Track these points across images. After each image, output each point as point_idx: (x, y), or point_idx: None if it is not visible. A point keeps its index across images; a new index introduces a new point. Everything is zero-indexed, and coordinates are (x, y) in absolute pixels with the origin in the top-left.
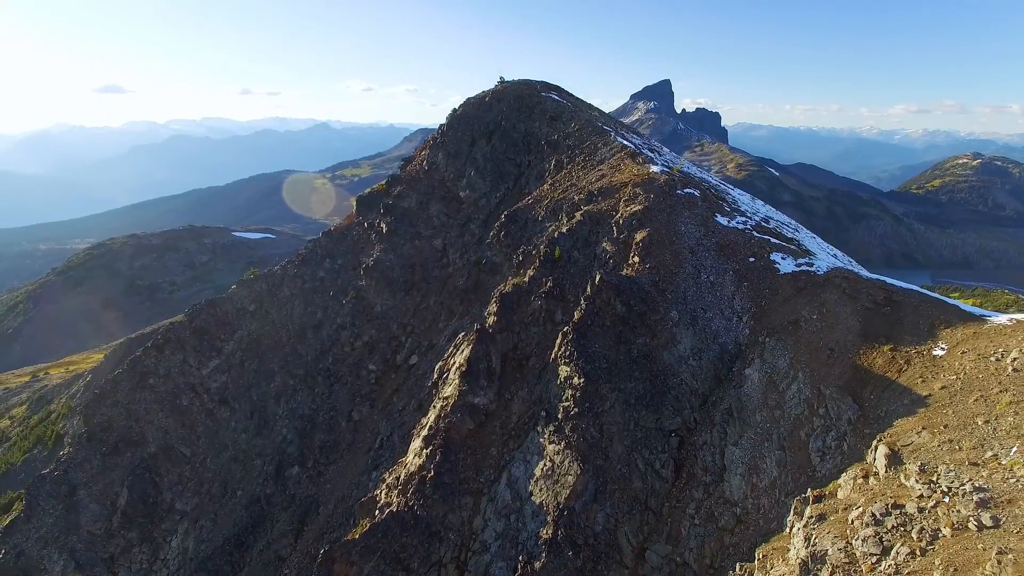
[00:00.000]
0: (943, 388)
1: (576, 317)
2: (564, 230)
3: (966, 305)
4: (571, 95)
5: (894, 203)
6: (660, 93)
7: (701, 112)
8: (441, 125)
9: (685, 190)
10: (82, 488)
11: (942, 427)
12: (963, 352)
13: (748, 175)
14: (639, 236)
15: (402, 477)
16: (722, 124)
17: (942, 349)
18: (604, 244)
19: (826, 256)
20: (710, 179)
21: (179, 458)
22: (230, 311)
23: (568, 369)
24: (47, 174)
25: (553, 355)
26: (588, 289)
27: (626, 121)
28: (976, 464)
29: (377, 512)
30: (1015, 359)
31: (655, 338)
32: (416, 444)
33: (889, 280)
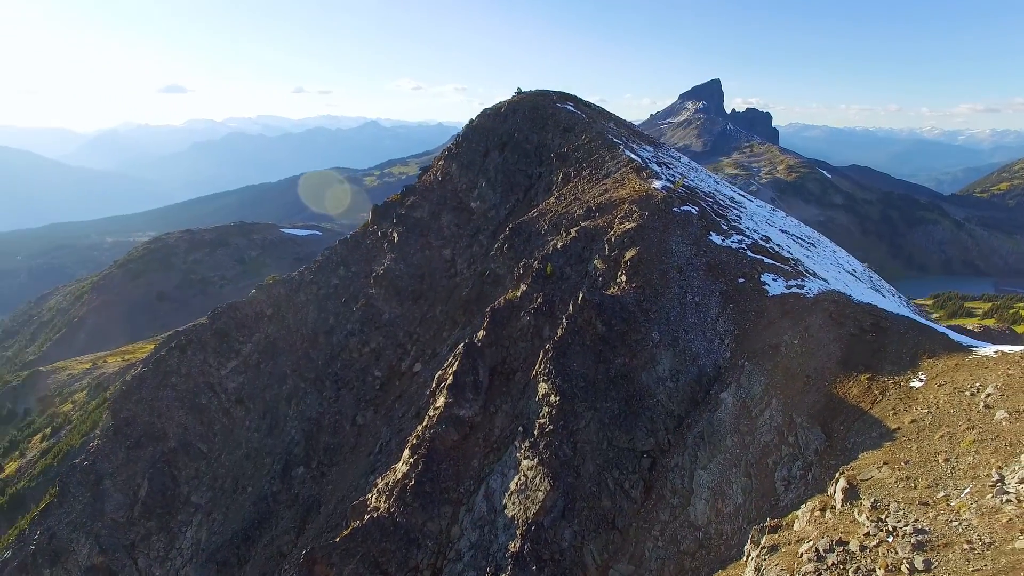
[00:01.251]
0: (913, 422)
1: (558, 335)
2: (559, 246)
3: (957, 334)
4: (588, 105)
5: (955, 207)
6: (709, 93)
7: (751, 112)
8: (457, 135)
9: (683, 208)
10: (107, 478)
11: (903, 463)
12: (940, 385)
13: (799, 177)
14: (629, 254)
15: (390, 483)
16: (773, 124)
17: (920, 380)
18: (596, 261)
19: (839, 273)
20: (724, 191)
21: (196, 454)
22: (249, 314)
23: (546, 386)
24: (115, 170)
25: (534, 371)
26: (570, 307)
27: (674, 121)
28: (926, 504)
29: (367, 515)
30: (989, 395)
31: (634, 358)
32: (407, 452)
33: (881, 305)
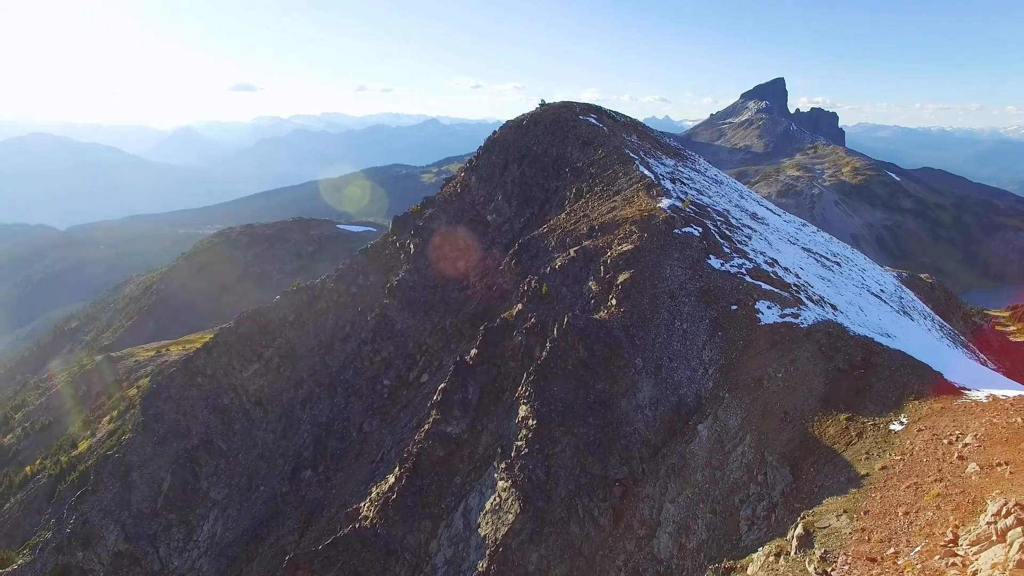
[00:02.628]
0: (883, 468)
1: (541, 358)
2: (556, 266)
3: (954, 374)
4: (612, 116)
5: None
6: (773, 92)
7: (816, 112)
8: (480, 147)
9: (684, 229)
10: (135, 470)
11: (863, 513)
12: (919, 430)
13: (864, 180)
14: (622, 277)
15: (379, 493)
16: (839, 125)
17: (900, 424)
18: (591, 283)
19: (858, 296)
20: (748, 206)
21: (216, 451)
22: (272, 320)
23: (526, 409)
24: (189, 164)
25: (517, 393)
26: (555, 331)
27: (735, 121)
28: (873, 560)
29: (353, 524)
30: (966, 445)
31: (615, 384)
32: (396, 465)
33: (879, 338)
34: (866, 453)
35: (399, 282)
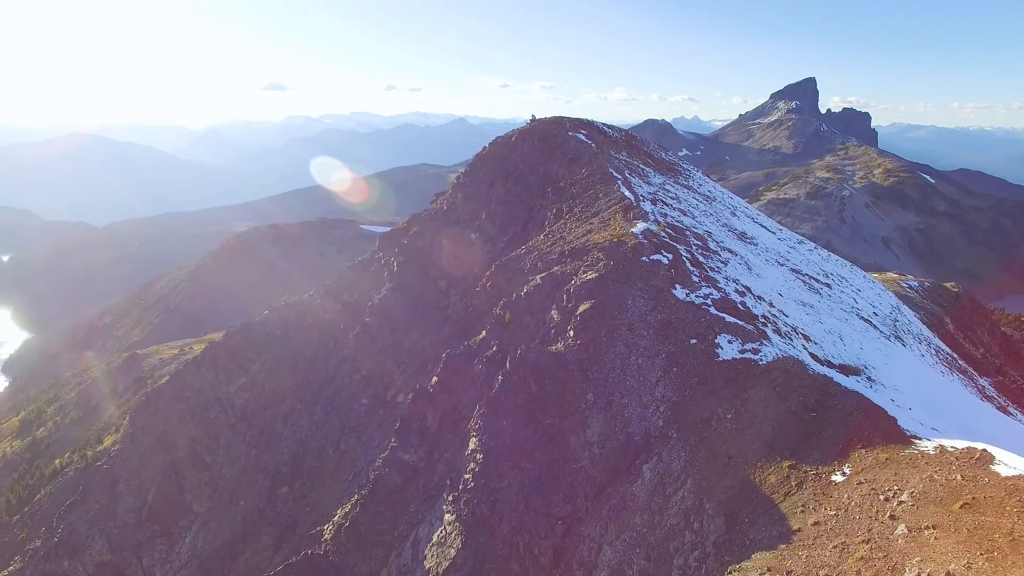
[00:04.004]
0: (816, 524)
1: (494, 391)
2: (522, 293)
3: (910, 420)
4: (605, 131)
5: None
6: (803, 92)
7: (848, 112)
8: (469, 164)
9: (653, 256)
10: (122, 481)
11: (785, 573)
12: (859, 483)
13: (897, 182)
14: (582, 308)
15: (340, 517)
16: (872, 125)
17: (843, 475)
18: (553, 312)
19: (842, 323)
20: (738, 226)
21: (201, 464)
22: (260, 334)
23: (474, 442)
24: (220, 163)
25: (469, 425)
26: (507, 363)
27: (764, 122)
28: None
29: (309, 550)
30: (901, 503)
31: (565, 420)
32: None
33: (839, 378)
34: (802, 506)
35: (381, 300)
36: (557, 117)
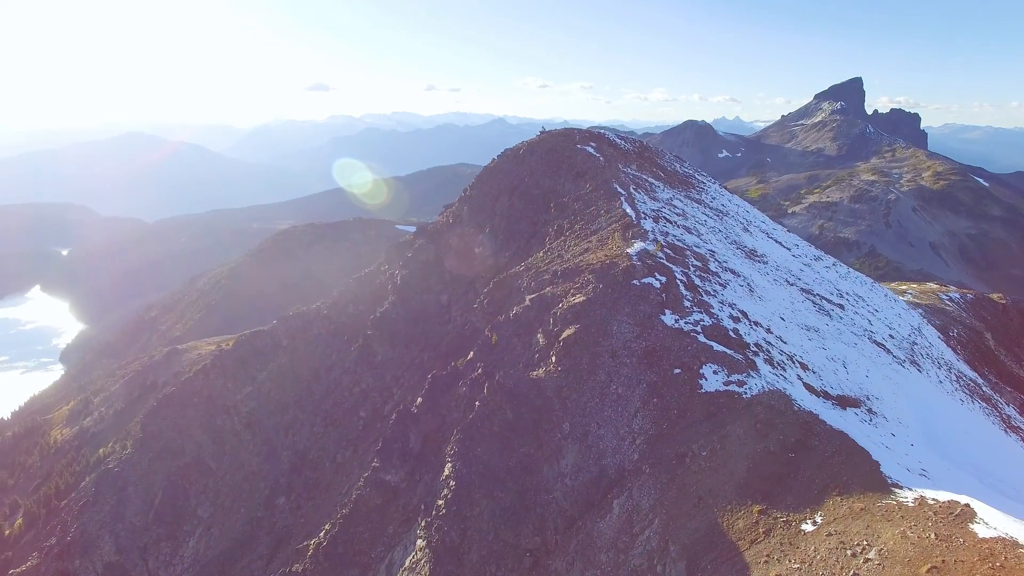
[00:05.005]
0: None
1: (470, 417)
2: (511, 314)
3: (895, 465)
4: (617, 143)
5: None
6: (849, 92)
7: (896, 113)
8: (477, 175)
9: (645, 279)
10: (131, 485)
11: None
12: (829, 534)
13: (947, 185)
14: (566, 333)
15: (320, 536)
16: (922, 126)
17: (813, 524)
18: (539, 335)
19: (851, 348)
20: (748, 242)
21: (207, 470)
22: (268, 344)
23: (449, 468)
24: (265, 162)
25: (446, 450)
26: (485, 389)
27: (807, 123)
28: None
29: (285, 569)
30: (867, 560)
31: (540, 449)
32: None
33: (828, 414)
34: (767, 556)
35: (382, 314)
36: (567, 129)
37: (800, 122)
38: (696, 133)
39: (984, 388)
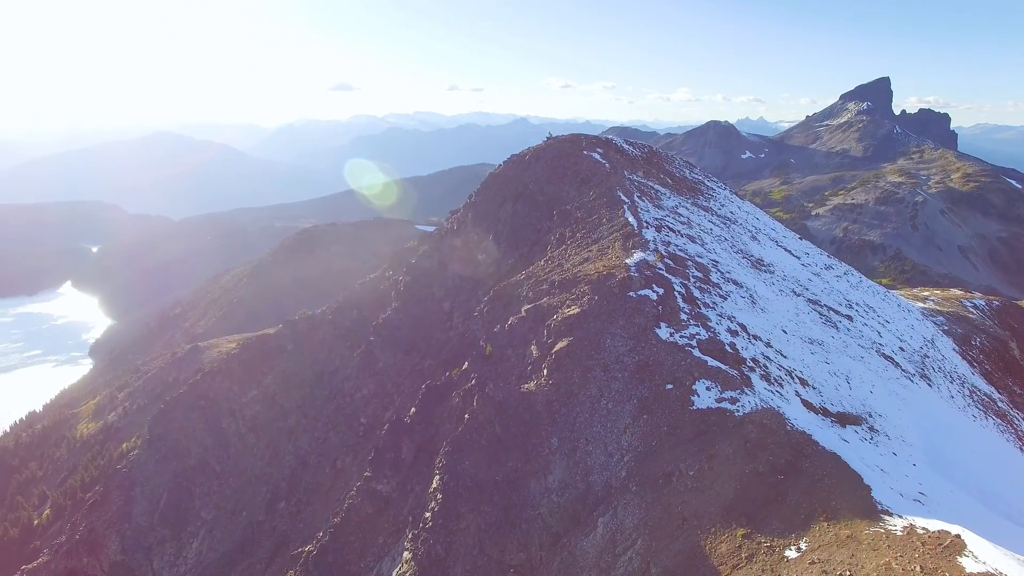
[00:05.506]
0: None
1: (459, 430)
2: (506, 325)
3: (888, 490)
4: (624, 149)
5: None
6: (876, 92)
7: (925, 113)
8: (483, 182)
9: (641, 291)
10: (138, 485)
11: None
12: (812, 562)
13: (977, 187)
14: (559, 346)
15: (313, 544)
16: (952, 127)
17: (797, 551)
18: (533, 347)
19: (857, 362)
20: (755, 251)
21: (211, 473)
22: (274, 348)
23: (437, 481)
24: (289, 161)
25: (436, 461)
26: (474, 402)
27: (832, 124)
28: None
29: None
30: None
31: (528, 463)
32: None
33: (824, 433)
34: None
35: (384, 320)
36: (574, 135)
37: (825, 123)
38: (719, 134)
39: (1000, 403)
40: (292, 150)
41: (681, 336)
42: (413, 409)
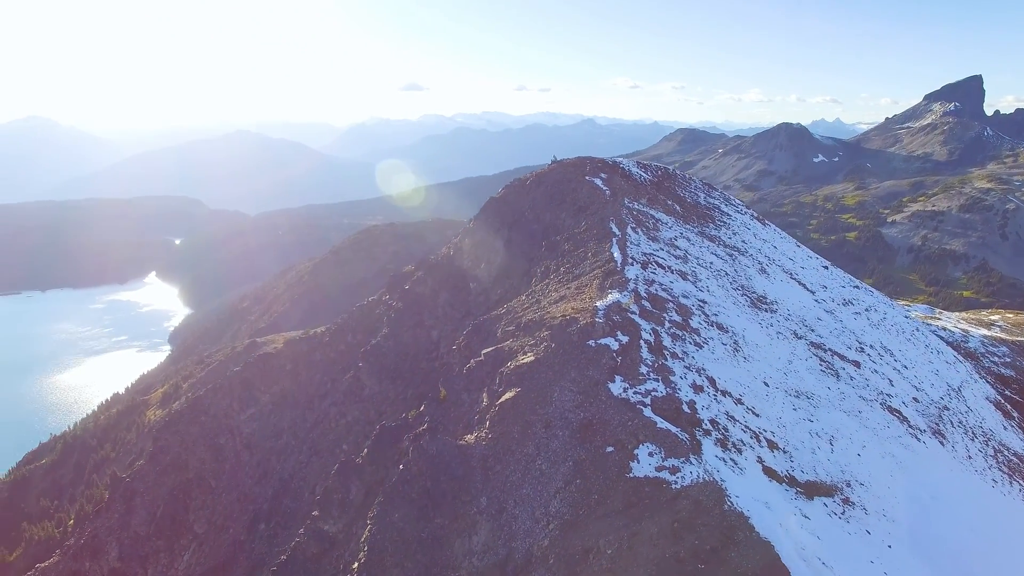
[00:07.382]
0: None
1: (393, 480)
2: (463, 370)
3: None
4: (631, 173)
5: None
6: (965, 92)
7: (1022, 113)
8: (482, 207)
9: (602, 340)
10: (138, 496)
11: None
12: None
13: None
14: (506, 396)
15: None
16: None
17: None
18: (484, 394)
19: (852, 417)
20: (759, 285)
21: (206, 488)
22: (273, 367)
23: (367, 532)
24: (360, 159)
25: (369, 512)
26: (410, 452)
27: (914, 126)
28: None
29: None
30: None
31: (456, 522)
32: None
33: (756, 519)
34: None
35: (373, 346)
36: (580, 158)
37: (906, 125)
38: (790, 136)
39: None
40: (362, 148)
41: (635, 392)
42: (365, 451)
